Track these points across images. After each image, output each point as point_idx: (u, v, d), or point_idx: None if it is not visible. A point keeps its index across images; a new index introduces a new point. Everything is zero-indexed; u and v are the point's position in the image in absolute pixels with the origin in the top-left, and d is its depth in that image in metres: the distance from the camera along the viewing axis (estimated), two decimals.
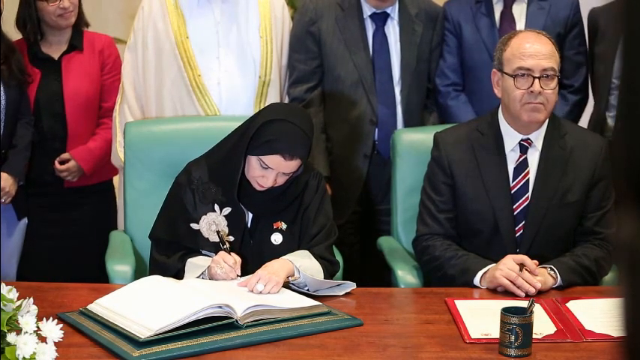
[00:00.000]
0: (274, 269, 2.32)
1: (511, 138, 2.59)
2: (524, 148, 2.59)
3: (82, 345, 2.04)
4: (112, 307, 2.15)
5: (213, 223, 2.44)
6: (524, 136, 2.58)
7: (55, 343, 1.67)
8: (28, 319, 1.67)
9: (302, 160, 2.40)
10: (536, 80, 2.49)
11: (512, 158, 2.59)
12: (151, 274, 2.46)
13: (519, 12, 3.21)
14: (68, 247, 3.33)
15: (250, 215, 2.49)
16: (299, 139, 2.38)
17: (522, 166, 2.59)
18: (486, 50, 3.16)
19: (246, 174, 2.43)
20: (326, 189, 2.58)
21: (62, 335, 1.69)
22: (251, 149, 2.39)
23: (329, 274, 2.45)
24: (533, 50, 2.51)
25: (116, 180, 3.51)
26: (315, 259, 2.41)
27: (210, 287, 2.27)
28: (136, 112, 3.09)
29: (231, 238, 2.44)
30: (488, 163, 2.59)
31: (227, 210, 2.45)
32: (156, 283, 2.29)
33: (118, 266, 2.61)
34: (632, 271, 0.67)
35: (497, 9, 3.22)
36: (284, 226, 2.48)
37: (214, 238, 2.43)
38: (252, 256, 2.44)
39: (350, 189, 3.17)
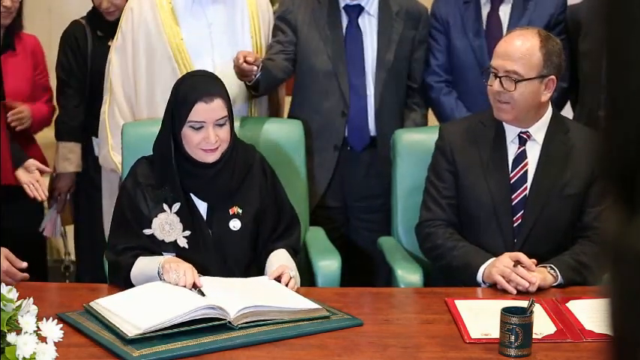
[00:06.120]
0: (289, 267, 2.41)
1: (511, 130, 2.64)
2: (522, 140, 2.63)
3: (82, 345, 2.04)
4: (109, 306, 2.17)
5: (165, 224, 2.42)
6: (523, 129, 2.62)
7: (55, 343, 1.67)
8: (28, 319, 1.67)
9: (224, 100, 2.41)
10: (497, 79, 2.54)
11: (512, 149, 2.64)
12: (110, 276, 2.47)
13: (505, 13, 3.18)
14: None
15: (205, 205, 2.47)
16: (208, 80, 2.45)
17: (521, 157, 2.63)
18: (472, 52, 3.15)
19: (189, 152, 2.41)
20: (272, 169, 2.59)
21: (62, 335, 1.69)
22: (177, 123, 2.40)
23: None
24: (502, 50, 2.56)
25: None
26: (296, 271, 2.45)
27: (210, 287, 2.27)
28: (126, 114, 3.07)
29: (188, 233, 2.42)
30: (489, 153, 2.64)
31: (176, 206, 2.43)
32: (157, 285, 2.29)
33: None
34: (617, 269, 0.67)
35: (485, 10, 3.18)
36: (239, 210, 2.48)
37: (170, 239, 2.41)
38: (214, 245, 2.44)
39: (320, 180, 3.17)
